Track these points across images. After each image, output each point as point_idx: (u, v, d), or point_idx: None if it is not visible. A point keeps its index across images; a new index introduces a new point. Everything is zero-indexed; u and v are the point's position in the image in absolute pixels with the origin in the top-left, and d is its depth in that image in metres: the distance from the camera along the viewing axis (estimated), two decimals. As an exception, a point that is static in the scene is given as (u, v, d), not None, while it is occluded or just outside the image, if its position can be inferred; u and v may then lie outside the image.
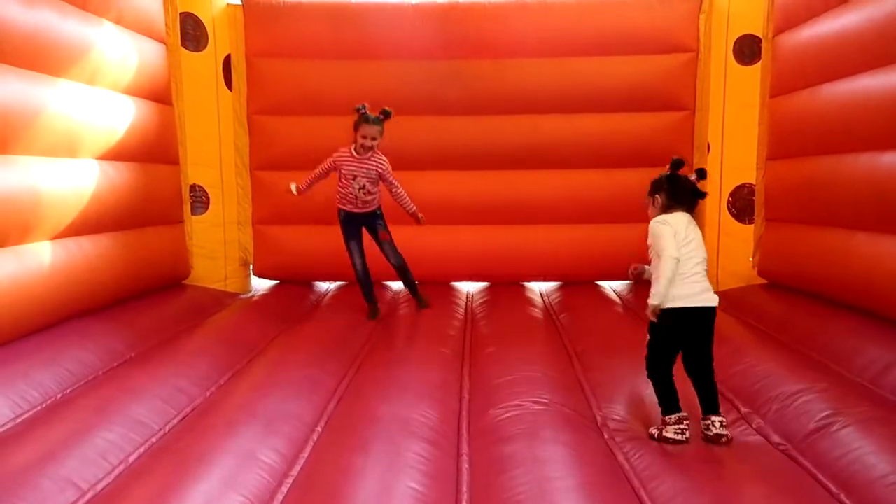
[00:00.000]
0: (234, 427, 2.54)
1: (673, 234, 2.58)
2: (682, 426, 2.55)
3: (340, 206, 4.48)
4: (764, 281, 4.98)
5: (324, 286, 5.59)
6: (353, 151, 4.31)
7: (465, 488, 2.24)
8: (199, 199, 5.23)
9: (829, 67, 3.92)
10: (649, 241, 2.69)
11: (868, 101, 3.52)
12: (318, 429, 2.68)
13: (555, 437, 2.53)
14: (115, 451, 2.41)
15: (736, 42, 4.95)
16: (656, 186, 2.76)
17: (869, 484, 2.16)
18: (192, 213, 5.23)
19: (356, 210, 4.42)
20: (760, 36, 4.83)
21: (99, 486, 2.20)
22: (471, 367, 3.51)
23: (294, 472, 2.31)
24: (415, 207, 4.43)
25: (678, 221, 2.63)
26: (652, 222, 2.68)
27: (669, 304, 2.57)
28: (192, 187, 5.21)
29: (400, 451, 2.36)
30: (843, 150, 3.81)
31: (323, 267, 5.41)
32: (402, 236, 5.30)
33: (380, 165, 4.29)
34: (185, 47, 5.01)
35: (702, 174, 2.80)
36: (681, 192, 2.71)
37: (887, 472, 2.17)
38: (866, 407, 2.67)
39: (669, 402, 2.61)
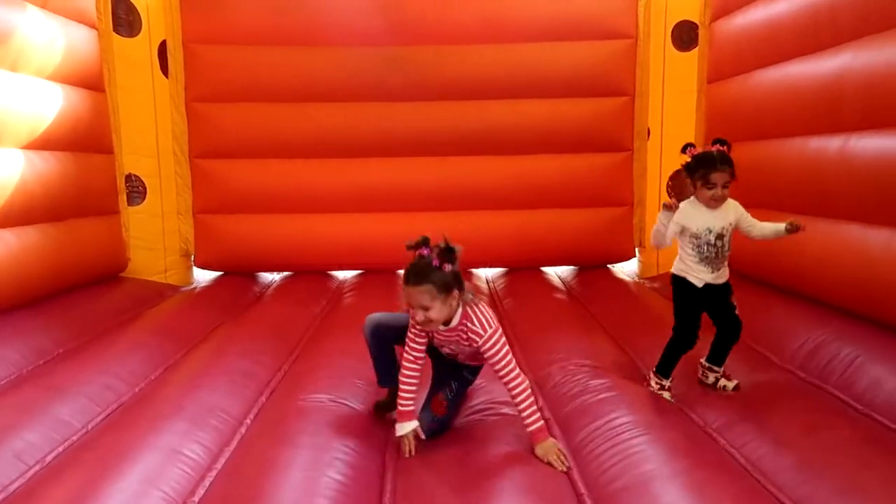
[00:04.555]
0: (158, 422, 2.48)
1: None
2: None
3: None
4: (703, 264, 5.07)
5: (268, 277, 5.52)
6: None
7: (389, 483, 2.23)
8: (136, 189, 5.10)
9: (761, 54, 3.99)
10: (738, 217, 2.83)
11: (797, 87, 3.60)
12: (247, 421, 2.65)
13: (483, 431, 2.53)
14: (33, 451, 2.34)
15: (674, 28, 5.01)
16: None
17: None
18: (129, 204, 5.09)
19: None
20: (697, 22, 4.90)
21: (12, 487, 2.13)
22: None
23: (218, 466, 2.27)
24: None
25: None
26: (737, 203, 2.85)
27: None
28: (128, 177, 5.07)
29: (327, 444, 2.34)
30: (775, 136, 3.89)
31: (267, 257, 5.34)
32: (347, 222, 5.28)
33: (476, 334, 2.39)
34: (118, 33, 4.85)
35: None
36: None
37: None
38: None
39: None
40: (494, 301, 4.77)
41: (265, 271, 5.52)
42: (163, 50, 4.99)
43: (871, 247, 3.00)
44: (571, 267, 5.56)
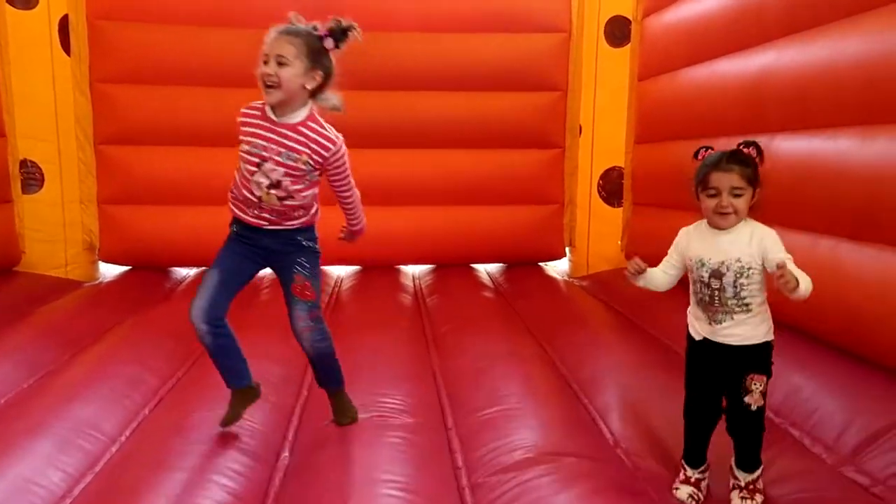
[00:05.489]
0: (15, 443, 2.20)
1: None
2: None
3: (233, 208, 2.37)
4: (632, 264, 5.01)
5: (182, 272, 5.19)
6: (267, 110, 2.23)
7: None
8: (32, 177, 4.70)
9: (691, 51, 3.91)
10: (761, 250, 1.98)
11: (724, 85, 3.52)
12: (122, 439, 2.38)
13: (388, 438, 2.35)
14: None
15: (607, 23, 4.91)
16: (757, 175, 2.02)
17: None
18: (24, 192, 4.70)
19: (255, 223, 2.30)
20: (630, 17, 4.81)
21: None
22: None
23: (75, 494, 2.01)
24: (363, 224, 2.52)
25: None
26: (772, 231, 2.02)
27: (772, 335, 2.06)
28: (23, 163, 4.67)
29: (208, 467, 2.11)
30: (701, 135, 3.80)
31: (179, 251, 5.00)
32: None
33: (322, 146, 2.19)
34: (13, 4, 4.45)
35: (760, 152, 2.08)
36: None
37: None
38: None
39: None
40: (418, 299, 4.59)
41: (177, 266, 5.19)
42: (64, 25, 4.61)
43: (792, 252, 2.92)
44: (501, 264, 5.43)
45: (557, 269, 5.47)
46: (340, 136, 2.19)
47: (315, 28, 2.12)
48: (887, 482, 2.06)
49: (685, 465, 2.13)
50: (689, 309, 2.13)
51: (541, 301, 4.40)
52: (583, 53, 4.97)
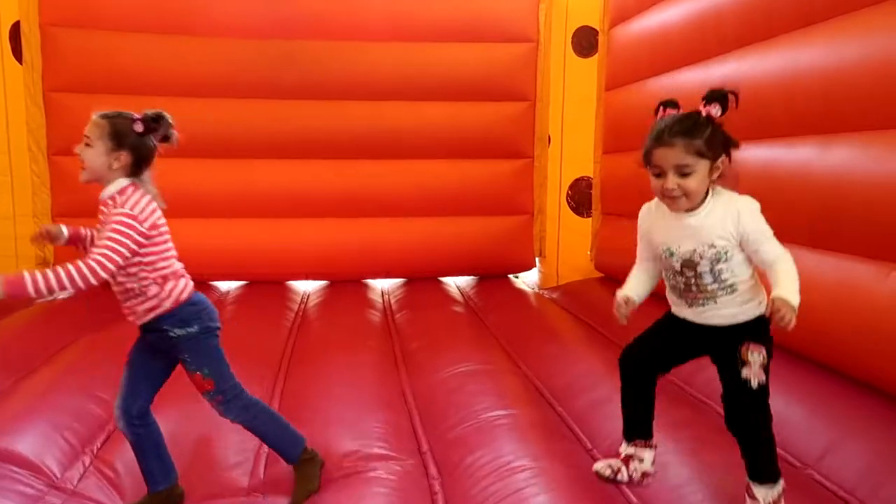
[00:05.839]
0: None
1: None
2: None
3: None
4: (601, 274, 4.97)
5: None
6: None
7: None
8: (-18, 189, 4.54)
9: (656, 61, 3.90)
10: (739, 230, 1.70)
11: (687, 95, 3.47)
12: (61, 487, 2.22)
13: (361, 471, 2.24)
14: None
15: (574, 33, 4.90)
16: (719, 138, 1.70)
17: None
18: (-26, 205, 4.54)
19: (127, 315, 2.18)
20: (597, 28, 4.79)
21: None
22: (284, 387, 3.13)
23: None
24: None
25: None
26: (749, 202, 1.74)
27: (764, 309, 1.76)
28: (-27, 174, 4.52)
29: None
30: (667, 145, 3.80)
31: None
32: (230, 228, 4.87)
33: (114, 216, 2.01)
34: (-40, 11, 4.30)
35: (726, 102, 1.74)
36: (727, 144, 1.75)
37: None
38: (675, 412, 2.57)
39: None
40: (387, 314, 4.50)
41: (138, 280, 5.03)
42: (16, 32, 4.46)
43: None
44: (471, 277, 5.36)
45: (527, 280, 5.42)
46: (135, 211, 2.01)
47: (129, 115, 2.09)
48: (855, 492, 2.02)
49: (625, 442, 1.94)
50: (666, 291, 1.86)
51: (511, 314, 4.34)
52: (550, 63, 4.95)
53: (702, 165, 1.69)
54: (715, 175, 1.72)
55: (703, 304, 1.76)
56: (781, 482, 1.78)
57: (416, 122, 4.97)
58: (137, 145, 2.06)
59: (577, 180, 5.10)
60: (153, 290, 2.07)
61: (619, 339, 3.65)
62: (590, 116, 4.93)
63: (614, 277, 4.70)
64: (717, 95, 1.72)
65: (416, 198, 5.05)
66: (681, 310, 1.84)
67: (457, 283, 5.31)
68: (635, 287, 1.91)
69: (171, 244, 2.12)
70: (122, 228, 1.96)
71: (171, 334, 2.08)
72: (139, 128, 2.06)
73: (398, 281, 5.27)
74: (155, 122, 2.09)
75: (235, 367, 3.04)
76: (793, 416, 2.39)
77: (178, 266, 2.15)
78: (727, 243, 1.71)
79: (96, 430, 2.59)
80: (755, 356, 1.70)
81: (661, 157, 1.70)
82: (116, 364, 3.11)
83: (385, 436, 2.52)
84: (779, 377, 2.59)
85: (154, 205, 2.06)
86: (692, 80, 3.45)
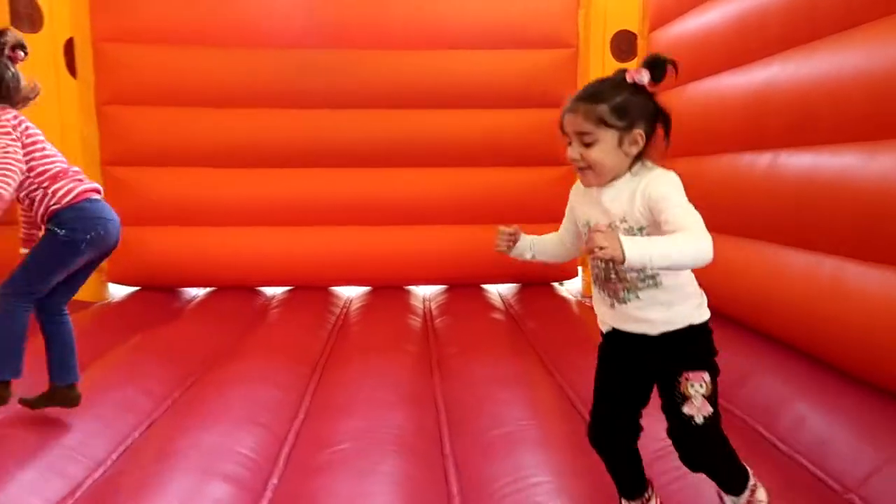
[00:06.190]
0: (4, 470, 2.16)
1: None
2: None
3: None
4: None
5: (192, 292, 5.18)
6: None
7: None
8: (40, 198, 4.73)
9: (696, 65, 3.83)
10: (646, 203, 1.53)
11: (727, 100, 3.44)
12: (108, 462, 2.34)
13: (381, 467, 2.28)
14: None
15: (613, 38, 4.85)
16: (632, 107, 1.55)
17: None
18: (32, 213, 4.72)
19: None
20: (636, 32, 4.74)
21: None
22: (317, 386, 3.20)
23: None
24: None
25: None
26: (665, 172, 1.58)
27: (701, 318, 1.60)
28: (31, 184, 4.70)
29: (190, 493, 2.05)
30: (707, 153, 3.72)
31: (188, 272, 5.01)
32: (273, 236, 4.97)
33: None
34: (18, 28, 4.49)
35: (673, 67, 1.61)
36: (660, 118, 1.61)
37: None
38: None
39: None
40: (427, 320, 4.53)
41: (187, 287, 5.18)
42: (70, 48, 4.65)
43: (792, 271, 2.82)
44: (514, 284, 5.34)
45: (571, 288, 5.38)
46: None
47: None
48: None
49: (621, 500, 1.75)
50: (592, 294, 1.69)
51: (551, 323, 4.31)
52: (589, 68, 4.91)
53: (607, 135, 1.53)
54: (631, 148, 1.55)
55: (624, 302, 1.57)
56: (751, 480, 1.66)
57: (456, 130, 4.97)
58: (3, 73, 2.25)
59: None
60: (39, 194, 2.28)
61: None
62: (630, 122, 4.87)
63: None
64: (649, 61, 1.57)
65: (457, 206, 5.07)
66: (605, 316, 1.66)
67: (499, 291, 5.31)
68: (539, 238, 1.81)
69: (49, 151, 2.33)
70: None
71: (48, 228, 2.30)
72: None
73: (440, 287, 5.30)
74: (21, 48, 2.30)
75: (274, 364, 3.18)
76: (836, 437, 2.31)
77: (61, 168, 2.32)
78: (640, 218, 1.52)
79: (136, 420, 2.69)
80: (696, 388, 1.51)
81: (567, 123, 1.59)
82: (162, 362, 3.28)
83: (408, 434, 2.54)
84: (823, 396, 2.54)
85: (22, 119, 2.29)
86: (733, 84, 3.39)
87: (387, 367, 3.33)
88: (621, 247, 1.34)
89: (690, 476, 1.76)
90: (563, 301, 4.91)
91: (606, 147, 1.54)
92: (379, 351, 3.61)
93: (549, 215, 5.12)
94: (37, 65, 4.55)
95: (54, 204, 2.26)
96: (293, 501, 2.12)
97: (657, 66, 1.57)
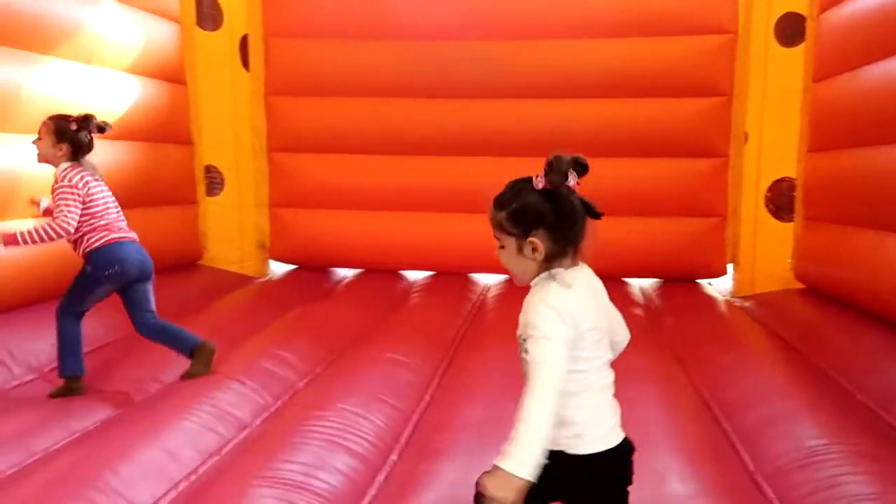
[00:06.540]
0: (166, 422, 2.46)
1: (562, 322, 1.46)
2: None
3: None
4: (802, 286, 4.54)
5: (342, 273, 5.50)
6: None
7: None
8: (215, 180, 5.24)
9: (871, 48, 3.47)
10: (523, 321, 1.51)
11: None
12: (254, 426, 2.58)
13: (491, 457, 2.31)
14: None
15: (778, 21, 4.50)
16: (526, 214, 1.51)
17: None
18: (208, 194, 5.24)
19: None
20: (805, 14, 4.36)
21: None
22: (446, 369, 3.30)
23: (200, 472, 2.20)
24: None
25: (579, 289, 1.55)
26: (545, 295, 1.50)
27: (576, 449, 1.51)
28: (208, 168, 5.22)
29: (315, 461, 2.21)
30: (884, 141, 3.36)
31: (340, 253, 5.33)
32: (421, 222, 5.16)
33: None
34: (202, 27, 4.99)
35: (582, 167, 1.59)
36: (571, 220, 1.56)
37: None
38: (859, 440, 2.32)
39: None
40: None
41: (338, 267, 5.51)
42: (244, 44, 5.08)
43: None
44: (656, 280, 5.16)
45: (719, 287, 5.10)
46: (66, 178, 2.87)
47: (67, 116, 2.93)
48: None
49: None
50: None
51: (692, 320, 4.13)
52: (750, 54, 4.60)
53: (509, 241, 1.52)
54: (534, 254, 1.50)
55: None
56: None
57: (603, 119, 4.87)
58: (73, 138, 2.89)
59: (777, 181, 4.69)
60: (80, 240, 2.93)
61: (816, 357, 3.34)
62: (793, 111, 4.50)
63: (819, 290, 4.27)
64: (548, 163, 1.50)
65: (601, 197, 4.92)
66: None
67: (640, 286, 5.15)
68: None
69: (99, 207, 2.93)
70: (65, 196, 2.82)
71: (85, 269, 2.97)
72: (73, 126, 2.88)
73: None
74: (85, 122, 2.91)
75: (410, 347, 3.30)
76: None
77: (104, 223, 2.94)
78: (522, 332, 1.49)
79: (287, 389, 2.92)
80: None
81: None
82: (308, 338, 3.51)
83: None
84: None
85: (88, 178, 2.89)
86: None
87: (515, 355, 3.35)
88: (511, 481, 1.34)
89: None
90: (708, 299, 4.68)
91: (509, 252, 1.53)
92: (510, 338, 3.63)
93: (696, 209, 4.94)
94: (216, 60, 5.06)
95: (87, 248, 2.94)
96: (406, 480, 2.22)
97: (552, 168, 1.50)
